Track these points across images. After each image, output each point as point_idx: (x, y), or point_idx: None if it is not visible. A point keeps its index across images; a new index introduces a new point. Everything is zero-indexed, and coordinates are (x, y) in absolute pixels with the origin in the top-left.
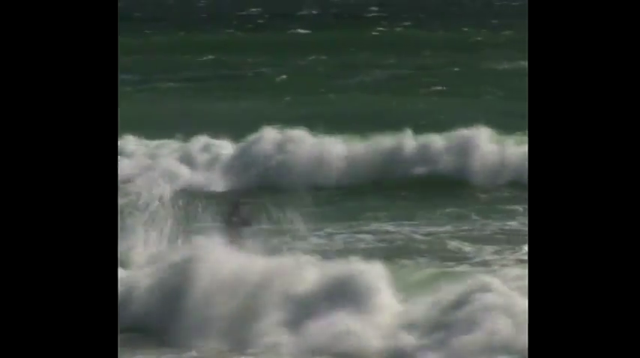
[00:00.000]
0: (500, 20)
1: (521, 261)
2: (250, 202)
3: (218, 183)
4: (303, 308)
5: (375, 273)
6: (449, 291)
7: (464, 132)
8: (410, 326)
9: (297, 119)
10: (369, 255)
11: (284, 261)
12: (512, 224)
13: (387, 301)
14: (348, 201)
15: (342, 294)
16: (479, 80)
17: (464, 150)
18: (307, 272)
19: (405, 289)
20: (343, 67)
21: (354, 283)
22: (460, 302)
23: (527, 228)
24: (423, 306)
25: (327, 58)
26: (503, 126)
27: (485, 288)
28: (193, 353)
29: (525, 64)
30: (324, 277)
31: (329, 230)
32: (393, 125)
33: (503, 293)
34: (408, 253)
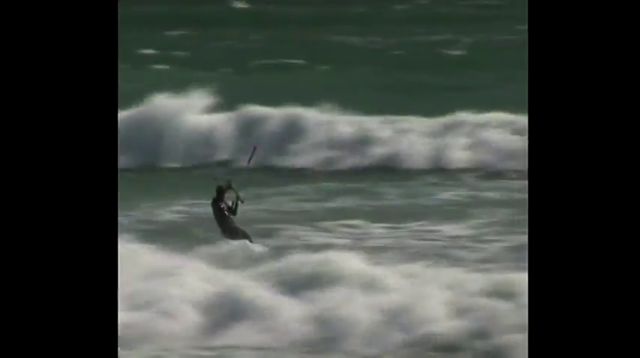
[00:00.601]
0: None
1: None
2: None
3: None
4: None
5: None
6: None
7: (299, 111)
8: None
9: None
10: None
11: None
12: (351, 200)
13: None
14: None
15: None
16: (337, 55)
17: (299, 127)
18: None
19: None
20: (204, 42)
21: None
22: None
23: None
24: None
25: (189, 33)
26: (359, 103)
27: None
28: None
29: (380, 39)
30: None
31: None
32: (235, 102)
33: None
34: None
